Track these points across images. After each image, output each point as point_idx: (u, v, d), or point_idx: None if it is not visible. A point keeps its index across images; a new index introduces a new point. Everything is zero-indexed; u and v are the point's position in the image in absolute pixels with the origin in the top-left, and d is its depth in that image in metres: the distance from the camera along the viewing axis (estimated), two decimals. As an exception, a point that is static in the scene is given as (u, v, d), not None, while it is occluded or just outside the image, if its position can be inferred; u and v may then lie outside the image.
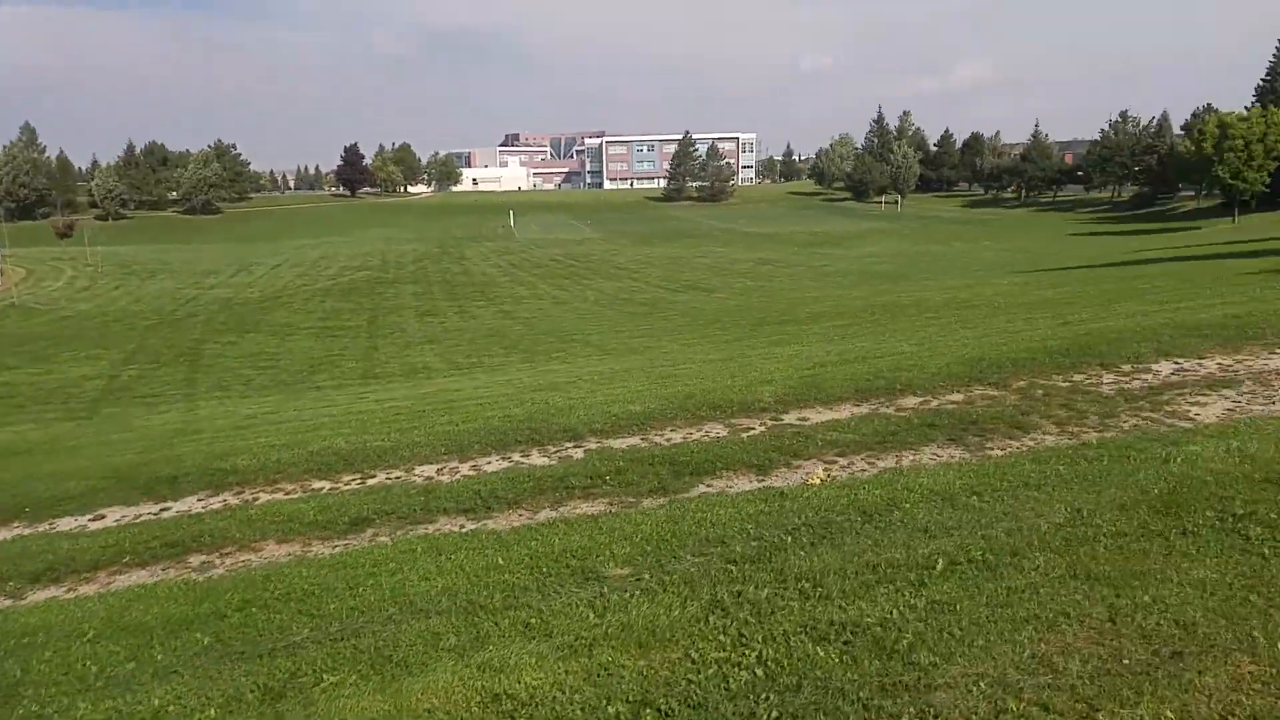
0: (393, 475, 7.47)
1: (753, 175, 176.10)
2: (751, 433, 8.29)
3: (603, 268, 54.33)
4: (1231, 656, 3.37)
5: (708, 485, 6.79)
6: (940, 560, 4.52)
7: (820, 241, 77.91)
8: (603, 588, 4.45)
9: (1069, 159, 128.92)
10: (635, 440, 8.16)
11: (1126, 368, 10.06)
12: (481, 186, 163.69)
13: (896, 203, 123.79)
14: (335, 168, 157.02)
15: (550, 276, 49.73)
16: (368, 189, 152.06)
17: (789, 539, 5.03)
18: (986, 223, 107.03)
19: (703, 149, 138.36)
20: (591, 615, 4.12)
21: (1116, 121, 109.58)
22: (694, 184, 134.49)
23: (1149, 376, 9.60)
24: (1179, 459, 6.21)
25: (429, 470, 7.54)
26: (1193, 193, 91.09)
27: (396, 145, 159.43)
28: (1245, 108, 73.46)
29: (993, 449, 7.39)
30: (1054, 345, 11.75)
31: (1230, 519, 4.91)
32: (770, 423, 8.69)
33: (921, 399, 9.30)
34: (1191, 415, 7.92)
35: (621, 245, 71.14)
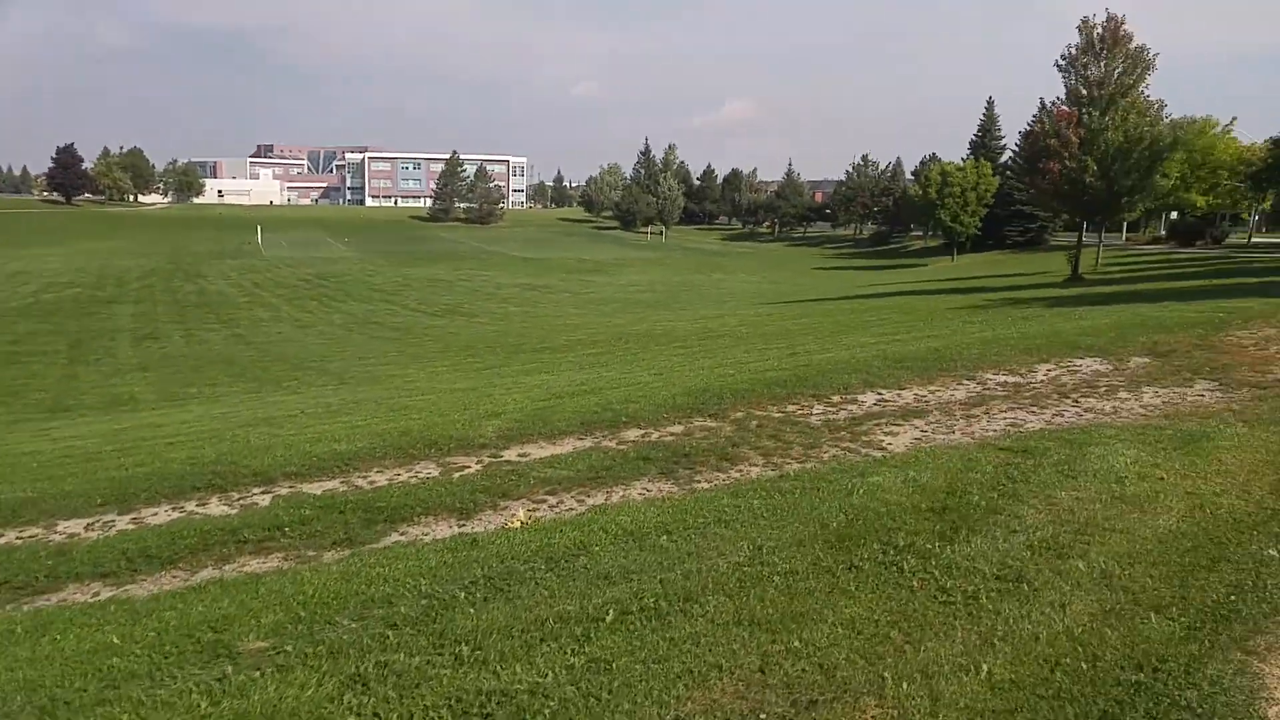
0: (26, 534, 6.39)
1: (523, 199, 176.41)
2: (465, 472, 7.90)
3: (357, 289, 52.00)
4: (860, 700, 3.38)
5: (401, 534, 6.32)
6: (611, 611, 4.34)
7: (588, 269, 78.94)
8: (231, 667, 3.89)
9: (819, 197, 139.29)
10: (334, 483, 7.53)
11: (836, 398, 10.60)
12: (228, 199, 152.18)
13: (662, 233, 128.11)
14: (46, 170, 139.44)
15: (296, 298, 46.90)
16: (88, 196, 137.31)
17: (462, 594, 4.69)
18: (744, 255, 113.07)
19: (471, 170, 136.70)
20: (205, 704, 3.56)
21: (859, 164, 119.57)
22: (462, 205, 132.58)
23: (854, 407, 10.14)
24: (861, 490, 6.47)
25: (75, 526, 6.53)
26: (921, 233, 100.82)
27: (126, 149, 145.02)
28: (962, 159, 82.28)
29: (700, 482, 7.43)
30: (775, 376, 12.25)
31: (892, 551, 5.09)
32: (488, 460, 8.35)
33: (644, 431, 9.29)
34: (884, 445, 8.37)
35: (380, 265, 68.58)
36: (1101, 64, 32.50)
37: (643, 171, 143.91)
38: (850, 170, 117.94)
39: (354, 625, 4.32)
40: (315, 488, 7.38)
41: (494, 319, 40.17)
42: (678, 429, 9.34)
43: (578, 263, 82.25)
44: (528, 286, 57.58)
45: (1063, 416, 9.27)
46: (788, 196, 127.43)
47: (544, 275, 67.50)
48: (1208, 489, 6.17)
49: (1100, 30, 31.97)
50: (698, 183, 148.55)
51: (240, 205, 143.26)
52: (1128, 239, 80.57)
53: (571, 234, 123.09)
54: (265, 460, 8.20)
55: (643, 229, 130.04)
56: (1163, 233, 78.59)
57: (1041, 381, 11.20)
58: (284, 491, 7.29)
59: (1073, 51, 32.98)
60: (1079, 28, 32.53)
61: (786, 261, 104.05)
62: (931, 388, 11.09)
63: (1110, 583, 4.51)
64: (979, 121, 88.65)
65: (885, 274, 74.61)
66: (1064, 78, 33.75)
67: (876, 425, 9.16)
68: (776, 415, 9.77)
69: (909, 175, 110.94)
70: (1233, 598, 4.30)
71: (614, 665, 3.78)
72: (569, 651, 3.94)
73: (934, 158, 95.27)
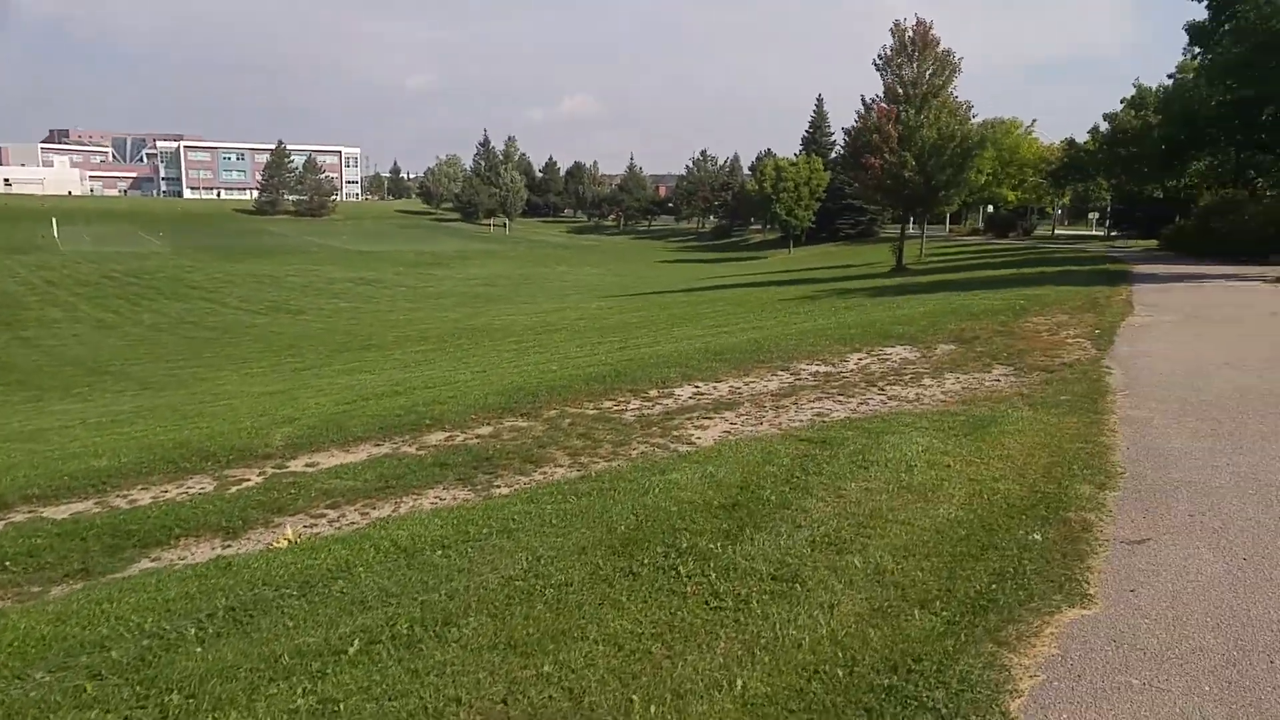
0: None
1: (358, 191, 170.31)
2: (242, 486, 7.24)
3: (171, 286, 48.58)
4: (605, 732, 3.12)
5: (153, 560, 5.67)
6: (358, 641, 3.93)
7: (427, 262, 76.97)
8: None
9: (662, 191, 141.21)
10: (86, 505, 6.73)
11: (653, 392, 10.46)
12: (15, 189, 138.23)
13: (505, 225, 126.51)
14: None
15: (99, 296, 43.33)
16: None
17: (193, 631, 4.16)
18: (589, 248, 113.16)
19: (299, 161, 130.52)
20: None
21: (698, 159, 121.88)
22: (291, 197, 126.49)
23: (670, 401, 10.02)
24: (658, 489, 6.28)
25: None
26: (760, 226, 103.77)
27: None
28: (795, 154, 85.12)
29: (500, 487, 7.07)
30: (596, 371, 12.04)
31: (674, 554, 4.90)
32: (272, 471, 7.69)
33: (449, 434, 8.84)
34: (693, 439, 8.26)
35: (200, 261, 64.50)
36: (914, 65, 34.16)
37: (483, 163, 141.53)
38: (690, 165, 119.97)
39: (48, 678, 3.72)
40: (59, 511, 6.56)
41: (322, 316, 38.41)
42: (486, 430, 8.94)
43: (416, 256, 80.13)
44: (361, 281, 55.49)
45: (868, 405, 9.44)
46: (630, 190, 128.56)
47: (380, 269, 65.27)
48: (988, 475, 6.32)
49: (911, 33, 33.63)
50: (540, 175, 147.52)
51: (31, 195, 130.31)
52: (951, 231, 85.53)
53: (410, 226, 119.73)
54: (4, 482, 7.26)
55: (485, 221, 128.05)
56: (981, 225, 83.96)
57: (852, 370, 11.44)
58: (20, 518, 6.44)
59: (888, 52, 34.53)
60: (891, 30, 34.19)
61: (631, 254, 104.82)
62: (747, 379, 11.12)
63: (883, 578, 4.46)
64: (810, 118, 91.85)
65: (726, 267, 76.27)
66: (881, 76, 35.30)
67: (689, 419, 9.05)
68: (591, 412, 9.53)
69: (746, 170, 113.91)
70: (994, 586, 4.32)
71: (344, 706, 3.38)
72: (299, 692, 3.51)
73: (769, 153, 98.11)
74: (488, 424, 9.18)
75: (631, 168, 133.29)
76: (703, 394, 10.34)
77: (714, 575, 4.54)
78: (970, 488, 6.02)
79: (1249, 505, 5.67)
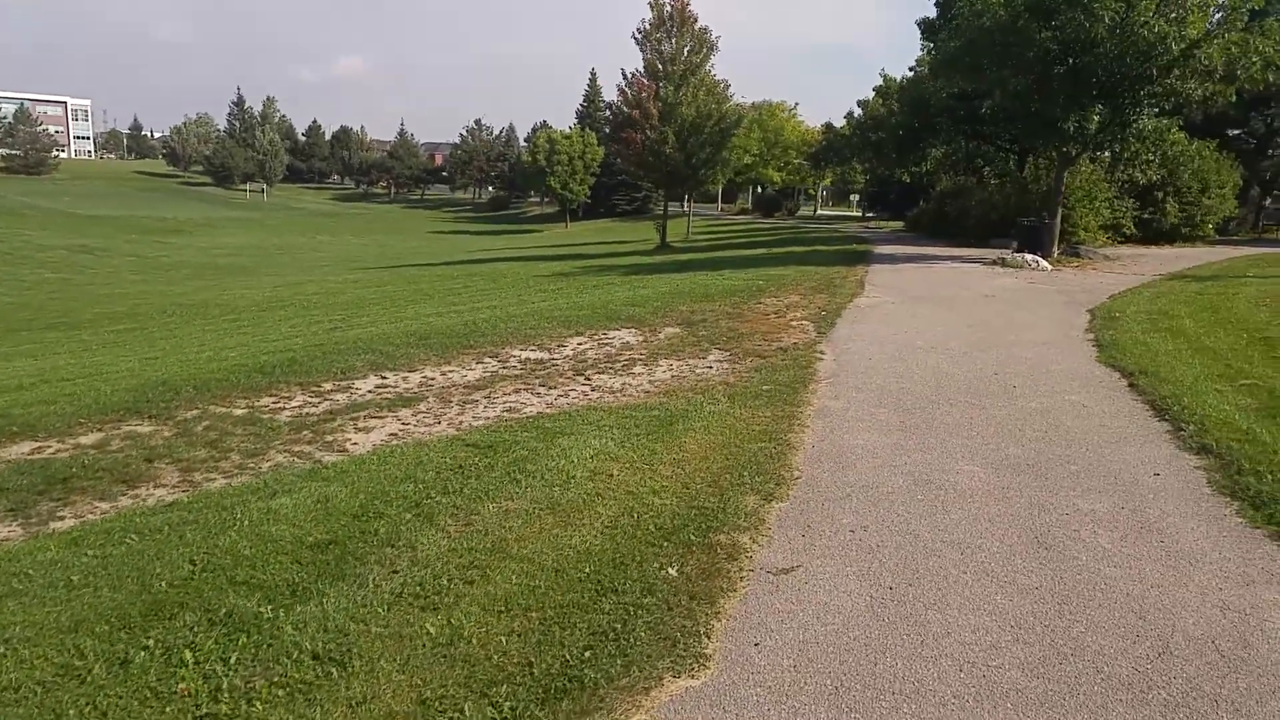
0: None
1: (91, 149, 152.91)
2: None
3: None
4: None
5: None
6: None
7: (169, 229, 69.89)
8: None
9: (439, 160, 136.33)
10: None
11: (327, 385, 9.06)
12: None
13: (263, 191, 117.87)
14: None
15: None
16: None
17: None
18: (357, 217, 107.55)
19: (10, 110, 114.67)
20: None
21: (473, 128, 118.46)
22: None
23: (343, 396, 8.68)
24: (249, 521, 5.00)
25: None
26: (539, 199, 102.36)
27: None
28: (569, 127, 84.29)
29: (64, 519, 5.52)
30: (275, 359, 10.44)
31: (203, 628, 3.67)
32: None
33: (38, 445, 7.07)
34: (347, 446, 6.99)
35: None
36: (673, 41, 34.00)
37: (238, 124, 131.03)
38: (465, 133, 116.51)
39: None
40: None
41: (18, 288, 33.37)
42: (92, 439, 7.23)
43: (156, 222, 72.65)
44: (80, 249, 49.18)
45: (567, 397, 8.54)
46: (401, 157, 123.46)
47: (108, 236, 58.35)
48: (650, 486, 5.51)
49: (669, 8, 33.43)
50: (303, 139, 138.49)
51: None
52: (722, 209, 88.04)
53: (152, 190, 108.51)
54: None
55: (240, 187, 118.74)
56: (750, 205, 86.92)
57: (566, 357, 10.55)
58: None
59: (646, 26, 34.15)
60: (650, 4, 33.77)
61: (402, 224, 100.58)
62: (447, 368, 9.96)
63: (453, 651, 3.46)
64: (584, 91, 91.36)
65: (498, 239, 74.52)
66: (641, 51, 34.90)
67: (354, 420, 7.76)
68: (239, 412, 8.02)
69: (523, 141, 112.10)
70: (588, 653, 3.43)
71: None
72: None
73: (545, 125, 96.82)
74: (99, 430, 7.47)
75: (403, 133, 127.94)
76: (387, 387, 9.06)
77: (222, 666, 3.34)
78: (623, 504, 5.18)
79: (915, 515, 5.17)
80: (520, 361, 10.29)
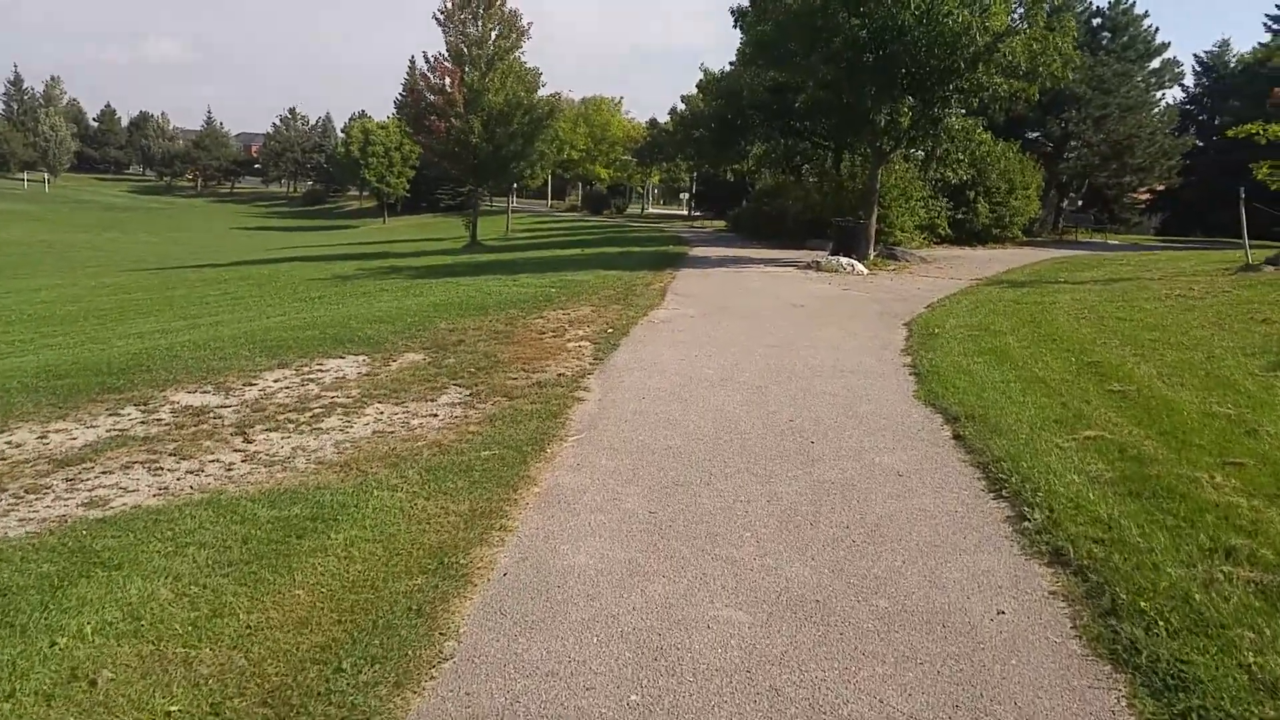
0: None
1: None
2: None
3: None
4: None
5: None
6: None
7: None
8: None
9: (255, 151, 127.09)
10: None
11: None
12: None
13: (44, 181, 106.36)
14: None
15: None
16: None
17: None
18: (156, 211, 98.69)
19: None
20: None
21: (286, 117, 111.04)
22: None
23: None
24: None
25: None
26: (359, 193, 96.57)
27: None
28: (388, 117, 79.64)
29: None
30: None
31: None
32: None
33: None
34: None
35: None
36: (479, 24, 31.28)
37: (15, 106, 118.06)
38: (278, 123, 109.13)
39: None
40: None
41: None
42: None
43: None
44: None
45: (198, 475, 5.96)
46: (208, 147, 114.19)
47: None
48: (166, 701, 3.06)
49: (475, -12, 30.73)
50: (95, 124, 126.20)
51: None
52: (552, 205, 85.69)
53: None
54: None
55: (18, 176, 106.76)
56: (579, 202, 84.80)
57: (245, 402, 7.88)
58: None
59: (449, 6, 31.28)
60: (454, -19, 30.95)
61: (206, 219, 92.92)
62: (57, 425, 7.13)
63: None
64: (404, 80, 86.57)
65: (308, 236, 69.37)
66: (444, 32, 31.98)
67: None
68: None
69: (341, 132, 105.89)
70: None
71: None
72: None
73: (364, 114, 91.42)
74: None
75: (210, 121, 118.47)
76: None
77: None
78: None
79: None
80: (174, 411, 7.55)
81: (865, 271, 19.36)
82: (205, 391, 8.19)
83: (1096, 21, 35.90)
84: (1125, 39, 35.50)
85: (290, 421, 7.22)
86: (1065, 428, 6.48)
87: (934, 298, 15.20)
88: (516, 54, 31.90)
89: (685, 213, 72.45)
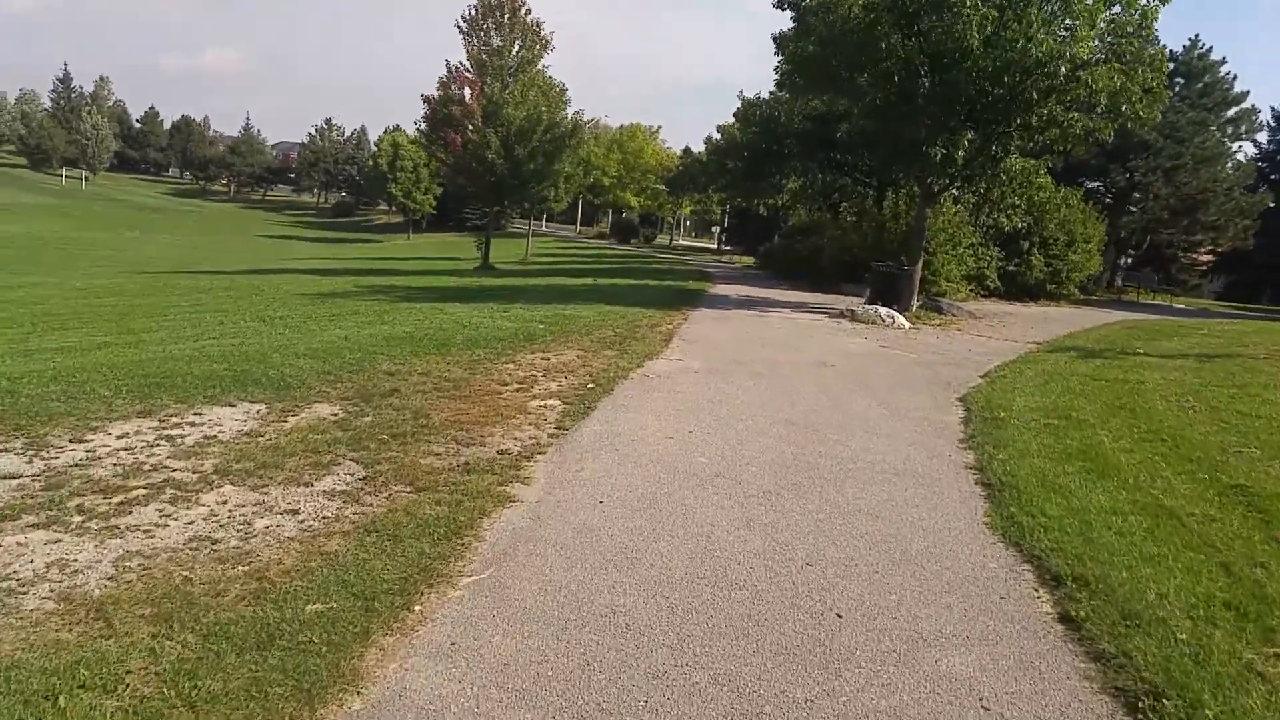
0: None
1: None
2: None
3: None
4: None
5: None
6: None
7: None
8: None
9: (293, 158, 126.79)
10: None
11: None
12: None
13: (82, 179, 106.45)
14: None
15: None
16: None
17: None
18: (185, 214, 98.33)
19: None
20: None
21: (322, 128, 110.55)
22: None
23: None
24: None
25: None
26: (387, 208, 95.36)
27: None
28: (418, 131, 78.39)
29: None
30: None
31: None
32: None
33: None
34: None
35: None
36: (502, 33, 29.41)
37: (63, 103, 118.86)
38: (313, 133, 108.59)
39: None
40: None
41: None
42: None
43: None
44: None
45: None
46: (244, 153, 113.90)
47: None
48: None
49: (496, -4, 28.83)
50: (138, 125, 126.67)
51: None
52: (580, 231, 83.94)
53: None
54: None
55: (57, 171, 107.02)
56: (608, 230, 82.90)
57: (53, 470, 5.67)
58: None
59: (473, 13, 29.43)
60: (479, -11, 29.06)
61: (234, 224, 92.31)
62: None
63: None
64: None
65: (329, 247, 67.97)
66: (466, 42, 30.13)
67: None
68: None
69: (374, 145, 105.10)
70: None
71: None
72: None
73: (398, 128, 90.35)
74: None
75: (248, 128, 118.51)
76: None
77: None
78: None
79: None
80: (-66, 485, 5.32)
81: (907, 325, 16.94)
82: (4, 450, 5.97)
83: (1170, 66, 33.36)
84: (1200, 86, 32.87)
85: (82, 511, 4.98)
86: (1252, 627, 4.05)
87: (990, 363, 12.78)
88: (539, 65, 29.95)
89: (715, 246, 70.25)
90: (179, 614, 3.81)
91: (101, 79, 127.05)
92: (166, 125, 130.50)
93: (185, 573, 4.26)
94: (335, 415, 7.32)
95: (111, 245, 57.64)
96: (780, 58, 20.65)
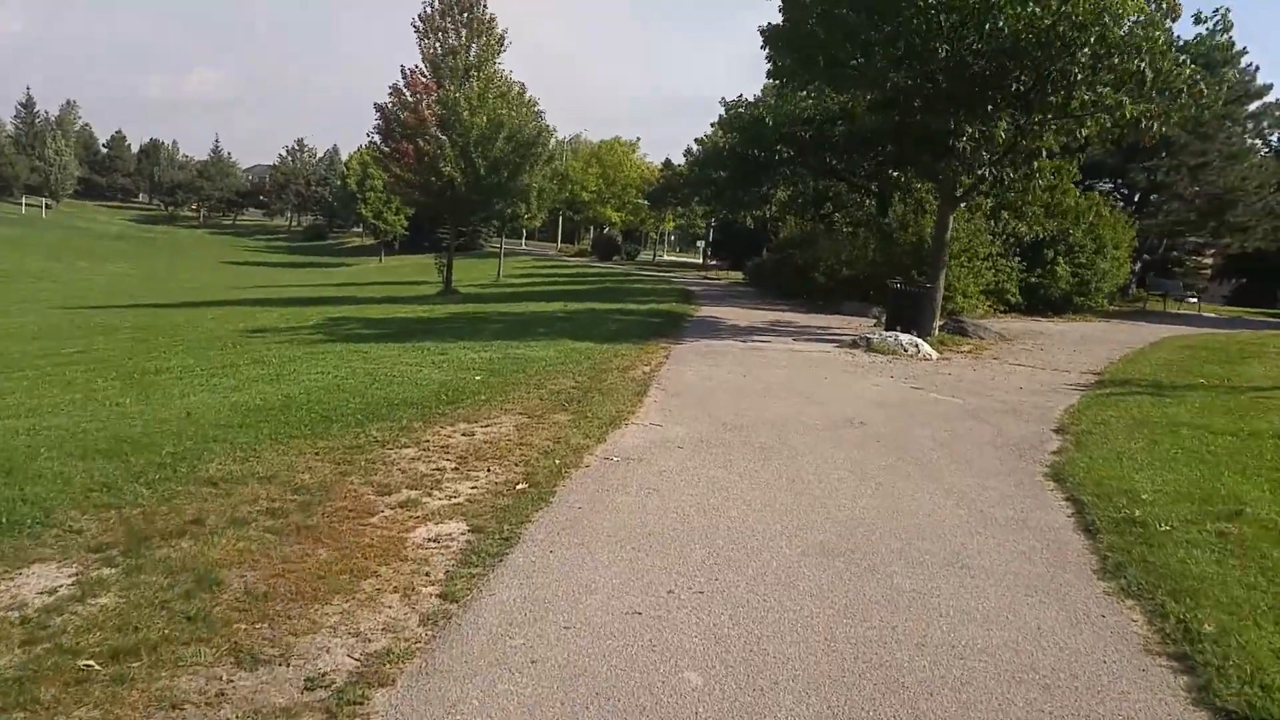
0: None
1: None
2: None
3: None
4: None
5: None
6: None
7: None
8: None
9: (266, 182, 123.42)
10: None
11: None
12: None
13: (42, 207, 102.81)
14: None
15: None
16: None
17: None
18: (147, 241, 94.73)
19: None
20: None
21: (293, 149, 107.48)
22: None
23: None
24: None
25: None
26: (361, 229, 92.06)
27: None
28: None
29: None
30: None
31: None
32: None
33: None
34: None
35: None
36: (460, 32, 26.41)
37: (26, 129, 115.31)
38: (284, 154, 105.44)
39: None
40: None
41: None
42: None
43: None
44: None
45: None
46: (212, 177, 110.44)
47: None
48: None
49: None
50: (105, 150, 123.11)
51: None
52: (560, 249, 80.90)
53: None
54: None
55: (17, 200, 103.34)
56: (589, 247, 79.86)
57: None
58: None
59: (430, 11, 26.41)
60: (438, -21, 26.02)
61: (196, 251, 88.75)
62: None
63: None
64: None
65: (294, 273, 64.80)
66: (423, 43, 27.07)
67: None
68: None
69: (344, 165, 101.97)
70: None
71: None
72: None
73: (369, 145, 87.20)
74: None
75: (216, 151, 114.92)
76: None
77: None
78: None
79: None
80: None
81: (934, 355, 13.98)
82: None
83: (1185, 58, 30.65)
84: (1221, 78, 30.15)
85: None
86: None
87: (1055, 408, 9.81)
88: (495, 64, 26.90)
89: (700, 261, 67.32)
90: None
91: (68, 103, 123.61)
92: (134, 149, 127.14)
93: None
94: (42, 598, 4.22)
95: (51, 276, 54.28)
96: (767, 58, 17.73)
